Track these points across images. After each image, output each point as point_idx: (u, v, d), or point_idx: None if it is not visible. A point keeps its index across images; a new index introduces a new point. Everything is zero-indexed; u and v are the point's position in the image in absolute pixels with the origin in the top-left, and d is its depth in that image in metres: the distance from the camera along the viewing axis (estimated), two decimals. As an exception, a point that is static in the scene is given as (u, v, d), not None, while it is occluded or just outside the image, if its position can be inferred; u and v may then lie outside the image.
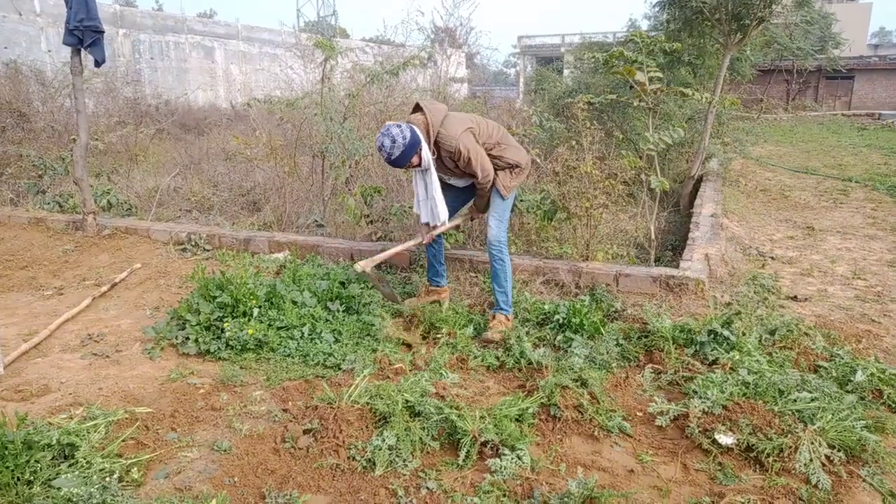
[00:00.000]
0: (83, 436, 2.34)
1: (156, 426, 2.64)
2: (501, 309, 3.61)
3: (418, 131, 3.35)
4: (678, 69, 8.59)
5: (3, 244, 5.47)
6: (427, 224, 3.73)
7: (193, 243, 5.21)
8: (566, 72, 15.92)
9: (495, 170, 3.61)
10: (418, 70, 8.51)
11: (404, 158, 3.32)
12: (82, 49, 5.07)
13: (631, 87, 4.88)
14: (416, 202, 3.73)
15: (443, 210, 3.58)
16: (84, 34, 4.89)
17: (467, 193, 3.88)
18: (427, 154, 3.41)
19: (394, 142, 3.26)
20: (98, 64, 5.07)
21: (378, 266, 4.03)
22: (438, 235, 3.87)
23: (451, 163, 3.51)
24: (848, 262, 5.10)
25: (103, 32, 5.02)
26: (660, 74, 4.47)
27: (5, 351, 3.34)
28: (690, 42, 8.08)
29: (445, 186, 3.77)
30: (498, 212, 3.65)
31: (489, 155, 3.55)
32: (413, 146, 3.31)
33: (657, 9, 8.63)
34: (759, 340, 3.23)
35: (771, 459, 2.33)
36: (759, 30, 7.49)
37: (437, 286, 4.00)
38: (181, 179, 8.10)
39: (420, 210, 3.69)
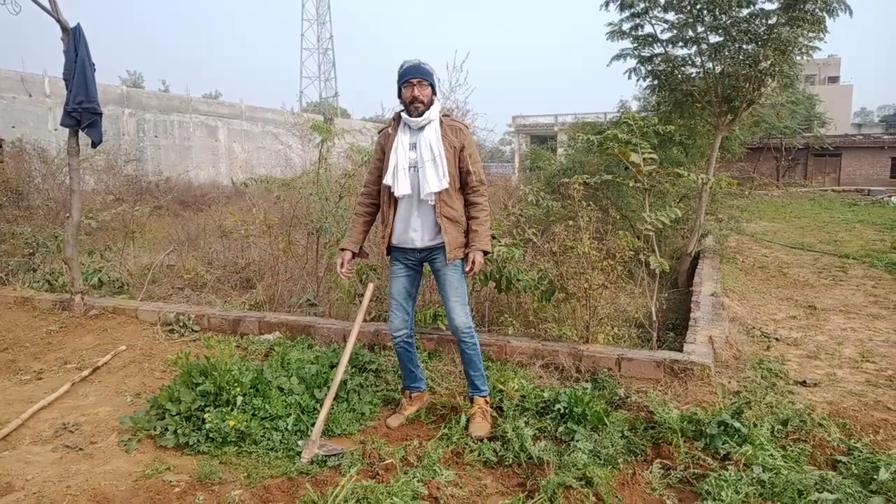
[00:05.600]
0: (40, 547, 2.12)
1: (123, 532, 2.42)
2: (481, 391, 3.37)
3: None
4: (670, 148, 8.76)
5: (-15, 325, 5.31)
6: (353, 254, 3.45)
7: (182, 324, 5.06)
8: (560, 150, 16.29)
9: (464, 229, 3.33)
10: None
11: (430, 76, 3.27)
12: (80, 130, 5.11)
13: (626, 167, 4.90)
14: (391, 173, 3.25)
15: (436, 175, 3.21)
16: (82, 116, 4.94)
17: (417, 279, 3.49)
18: (437, 109, 3.30)
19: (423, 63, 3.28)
20: (95, 144, 5.10)
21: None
22: (410, 339, 3.45)
23: (449, 140, 3.25)
24: (854, 344, 4.96)
25: (101, 114, 5.07)
26: (654, 156, 4.49)
27: (-29, 444, 3.14)
28: (681, 123, 8.27)
29: (409, 210, 3.33)
30: (459, 291, 3.32)
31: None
32: (433, 80, 3.30)
33: (648, 91, 8.89)
34: (772, 432, 3.05)
35: (796, 572, 2.12)
36: (749, 111, 7.69)
37: (419, 391, 3.59)
38: (175, 256, 8.05)
39: (396, 180, 3.24)
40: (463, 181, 3.34)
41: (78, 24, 5.00)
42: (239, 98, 27.76)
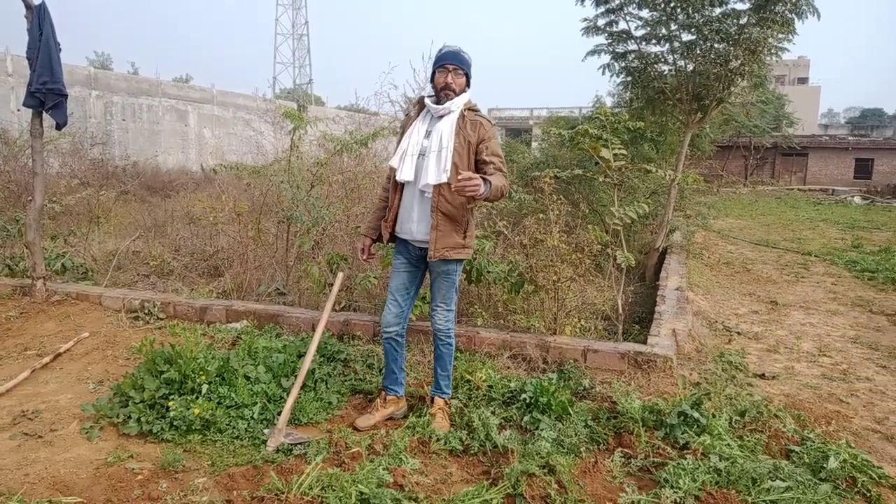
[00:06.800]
0: (-5, 535, 2.09)
1: (83, 520, 2.39)
2: (444, 392, 3.37)
3: None
4: (641, 145, 8.87)
5: (-58, 309, 5.16)
6: (373, 240, 3.42)
7: (147, 311, 4.98)
8: (534, 144, 16.36)
9: (462, 229, 3.21)
10: (389, 140, 8.64)
11: (468, 65, 3.20)
12: (43, 111, 4.97)
13: (597, 162, 4.96)
14: (399, 156, 3.18)
15: (437, 167, 3.05)
16: (46, 97, 4.80)
17: (419, 276, 3.39)
18: (462, 101, 3.17)
19: (463, 52, 3.21)
20: (59, 127, 4.97)
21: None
22: (400, 338, 3.36)
23: (464, 134, 3.11)
24: (812, 339, 5.12)
25: (66, 96, 4.94)
26: (624, 151, 4.55)
27: (-75, 431, 3.06)
28: (653, 119, 8.38)
29: (410, 199, 3.22)
30: (447, 298, 3.28)
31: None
32: (470, 70, 3.22)
33: (621, 87, 8.98)
34: (730, 423, 3.14)
35: (747, 557, 2.20)
36: (719, 109, 7.82)
37: (396, 395, 3.42)
38: (142, 243, 7.90)
39: (402, 164, 3.16)
40: (480, 171, 3.15)
41: (43, 1, 4.86)
42: (210, 82, 27.27)
